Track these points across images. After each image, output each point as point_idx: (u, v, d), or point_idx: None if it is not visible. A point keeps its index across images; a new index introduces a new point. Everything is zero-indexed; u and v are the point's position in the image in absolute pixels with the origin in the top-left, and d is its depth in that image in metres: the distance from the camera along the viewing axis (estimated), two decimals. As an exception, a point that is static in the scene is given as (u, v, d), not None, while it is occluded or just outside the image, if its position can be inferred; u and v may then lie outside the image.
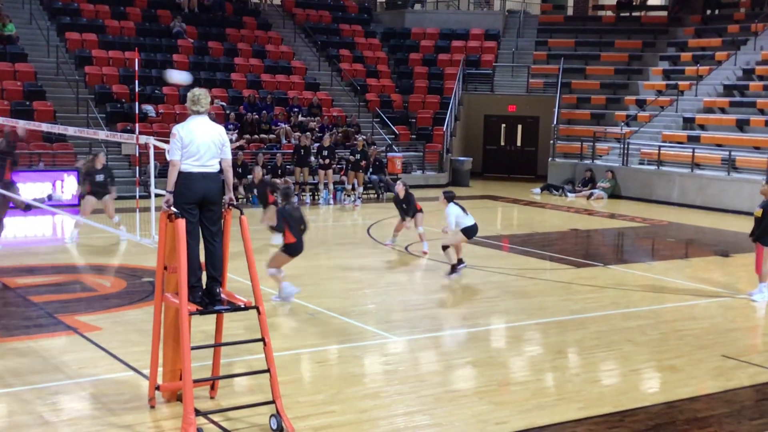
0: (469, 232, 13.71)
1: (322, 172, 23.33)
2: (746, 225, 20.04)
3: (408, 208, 16.10)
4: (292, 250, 11.76)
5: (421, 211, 16.06)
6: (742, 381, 9.02)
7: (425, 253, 15.59)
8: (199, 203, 7.47)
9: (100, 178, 16.35)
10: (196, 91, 7.66)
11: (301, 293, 12.31)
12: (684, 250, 18.08)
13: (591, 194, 26.16)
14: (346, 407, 7.89)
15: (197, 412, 7.11)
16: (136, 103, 11.85)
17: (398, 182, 16.72)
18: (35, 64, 25.97)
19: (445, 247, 13.73)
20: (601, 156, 28.32)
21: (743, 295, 13.05)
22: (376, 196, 24.61)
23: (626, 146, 26.89)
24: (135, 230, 11.91)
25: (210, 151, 7.49)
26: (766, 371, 9.37)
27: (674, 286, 13.70)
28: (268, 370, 7.37)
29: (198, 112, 7.60)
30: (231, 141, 20.96)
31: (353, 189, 23.53)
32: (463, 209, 13.79)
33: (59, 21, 28.31)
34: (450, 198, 13.94)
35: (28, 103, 23.90)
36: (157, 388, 7.77)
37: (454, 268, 13.61)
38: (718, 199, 23.81)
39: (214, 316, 7.86)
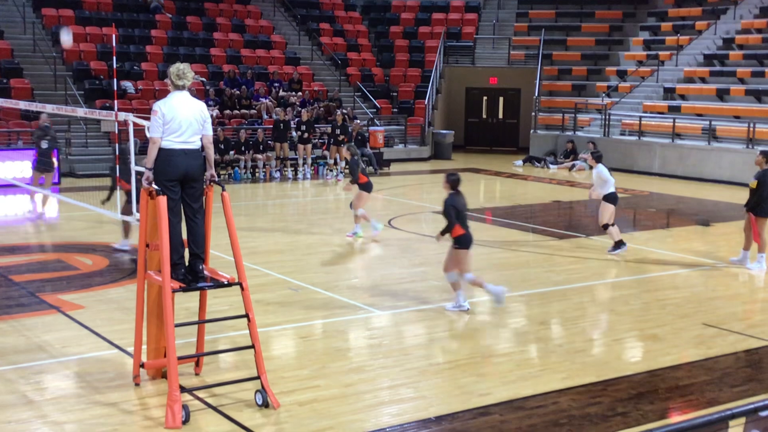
0: (615, 199, 13.68)
1: (301, 146, 23.29)
2: (727, 194, 20.23)
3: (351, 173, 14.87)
4: (465, 242, 10.24)
5: (365, 186, 14.55)
6: (723, 349, 9.11)
7: (350, 236, 14.68)
8: (181, 180, 7.42)
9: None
10: (180, 65, 7.58)
11: (284, 268, 12.31)
12: (665, 220, 18.18)
13: (573, 166, 26.22)
14: (331, 381, 7.92)
15: (182, 389, 7.12)
16: (115, 80, 11.75)
17: (344, 147, 15.22)
18: (11, 41, 25.66)
19: (606, 227, 13.61)
20: (582, 127, 28.37)
21: (724, 264, 13.16)
22: (358, 170, 24.55)
23: (607, 117, 26.95)
24: (116, 208, 11.85)
25: (192, 128, 7.43)
26: (747, 338, 9.47)
27: (655, 256, 13.79)
28: (252, 346, 7.38)
29: (183, 87, 7.53)
30: (212, 117, 20.80)
31: (335, 164, 23.48)
32: (609, 171, 13.75)
33: (35, -3, 27.96)
34: (599, 158, 13.87)
35: (5, 80, 23.64)
36: (142, 365, 7.76)
37: (618, 244, 13.59)
38: (698, 168, 23.94)
39: (198, 293, 7.85)
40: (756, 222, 12.72)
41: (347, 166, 15.03)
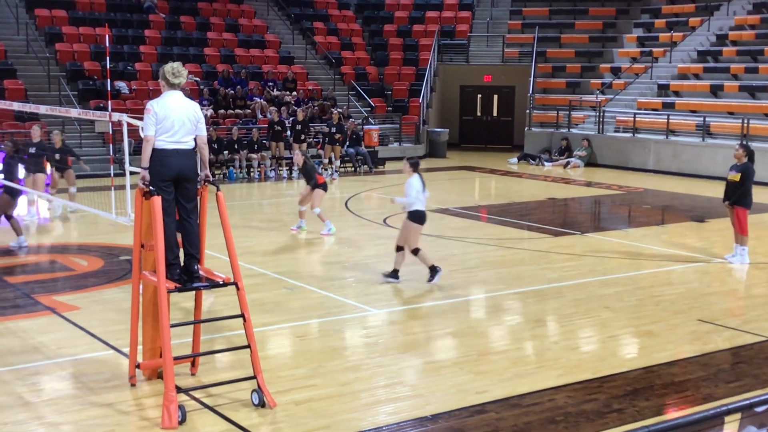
0: (422, 218, 11.46)
1: (296, 146, 23.27)
2: (721, 191, 20.20)
3: (308, 179, 15.05)
4: None
5: (323, 186, 14.95)
6: (718, 344, 9.12)
7: (294, 230, 15.25)
8: (174, 180, 7.41)
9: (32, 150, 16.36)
10: (174, 64, 7.56)
11: (279, 267, 12.31)
12: (660, 216, 18.21)
13: (567, 163, 26.25)
14: (328, 380, 7.92)
15: (178, 389, 7.11)
16: (108, 80, 11.74)
17: (296, 152, 16.15)
18: (5, 42, 25.60)
19: (417, 251, 11.46)
20: (576, 124, 28.39)
21: (719, 260, 13.19)
22: (353, 169, 24.57)
23: (602, 114, 26.98)
24: (111, 209, 11.83)
25: (185, 128, 7.41)
26: (742, 334, 9.49)
27: (650, 252, 13.81)
28: (248, 346, 7.37)
29: (178, 85, 7.51)
30: (206, 117, 20.82)
31: (330, 163, 23.47)
32: (424, 185, 11.43)
33: (28, -3, 27.91)
34: (415, 166, 11.51)
35: (-2, 81, 23.60)
36: (138, 366, 7.76)
37: (395, 273, 11.61)
38: (692, 165, 23.99)
39: (193, 293, 7.84)
40: (745, 214, 12.82)
41: (302, 171, 15.56)
